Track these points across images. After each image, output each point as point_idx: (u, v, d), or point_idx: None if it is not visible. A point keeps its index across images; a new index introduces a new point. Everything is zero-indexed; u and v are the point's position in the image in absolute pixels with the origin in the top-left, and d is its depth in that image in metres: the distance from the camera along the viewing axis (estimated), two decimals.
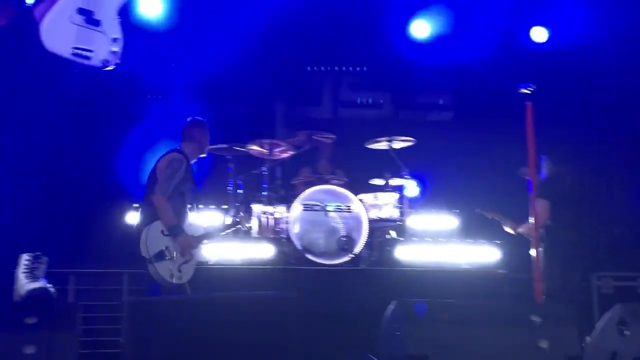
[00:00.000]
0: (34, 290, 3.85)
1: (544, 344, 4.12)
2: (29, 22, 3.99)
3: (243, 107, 8.69)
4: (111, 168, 7.53)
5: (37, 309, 3.66)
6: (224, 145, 7.32)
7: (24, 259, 3.95)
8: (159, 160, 5.77)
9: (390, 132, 7.46)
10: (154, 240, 5.42)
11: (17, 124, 3.94)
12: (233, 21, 8.20)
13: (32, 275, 3.92)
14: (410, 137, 7.45)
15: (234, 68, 8.52)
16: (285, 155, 7.44)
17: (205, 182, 8.14)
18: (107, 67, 4.01)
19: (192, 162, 5.94)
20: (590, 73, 8.50)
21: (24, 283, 3.88)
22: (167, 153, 5.82)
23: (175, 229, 5.53)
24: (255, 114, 8.77)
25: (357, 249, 6.79)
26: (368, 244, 6.96)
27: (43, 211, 4.03)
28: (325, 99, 9.54)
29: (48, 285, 3.94)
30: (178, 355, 3.72)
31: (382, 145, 7.52)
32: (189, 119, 6.07)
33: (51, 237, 4.11)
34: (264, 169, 7.31)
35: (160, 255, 5.41)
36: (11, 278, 3.96)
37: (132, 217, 6.76)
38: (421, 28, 8.82)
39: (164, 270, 5.40)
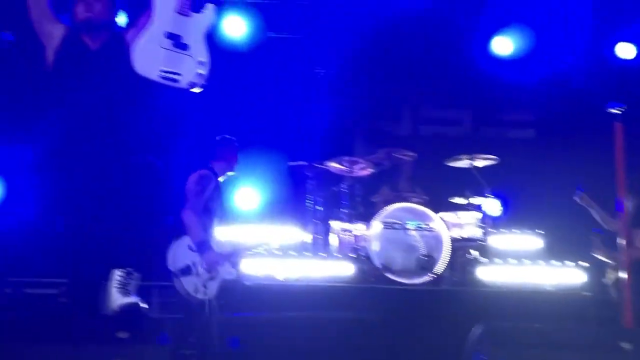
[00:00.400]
0: (126, 305, 3.96)
1: None
2: (120, 46, 4.13)
3: (323, 124, 8.74)
4: None
5: (128, 323, 3.77)
6: (304, 163, 7.39)
7: (117, 274, 4.06)
8: (189, 177, 5.88)
9: (471, 150, 7.38)
10: (180, 255, 5.52)
11: (111, 143, 4.07)
12: (313, 40, 8.30)
13: (124, 290, 4.03)
14: (491, 154, 7.35)
15: (314, 85, 8.58)
16: (364, 172, 7.44)
17: (285, 199, 8.24)
18: (194, 89, 4.10)
19: (221, 179, 6.03)
20: None
21: (116, 298, 4.00)
22: (196, 170, 5.93)
23: (203, 245, 5.60)
24: (336, 131, 8.80)
25: (438, 268, 6.73)
26: (449, 264, 6.88)
27: (133, 227, 4.12)
28: (405, 116, 9.50)
29: (140, 300, 4.05)
30: None
31: (463, 163, 7.43)
32: (217, 138, 6.15)
33: (139, 251, 4.20)
34: (343, 186, 7.33)
35: (186, 270, 5.50)
36: (103, 292, 4.09)
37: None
38: (503, 45, 8.71)
39: (189, 284, 5.47)
